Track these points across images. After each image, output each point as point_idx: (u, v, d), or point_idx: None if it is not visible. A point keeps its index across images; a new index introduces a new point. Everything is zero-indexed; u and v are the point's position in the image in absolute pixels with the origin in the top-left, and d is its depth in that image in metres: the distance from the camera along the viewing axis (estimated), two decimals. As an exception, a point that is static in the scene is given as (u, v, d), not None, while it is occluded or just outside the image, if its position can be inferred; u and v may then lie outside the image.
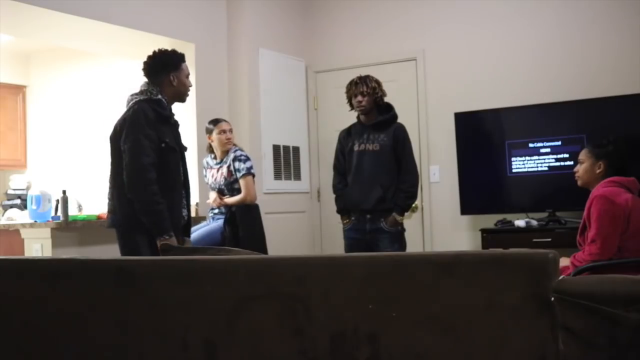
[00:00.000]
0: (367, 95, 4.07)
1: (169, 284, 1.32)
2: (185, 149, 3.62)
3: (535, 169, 4.81)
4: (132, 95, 3.42)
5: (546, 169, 4.78)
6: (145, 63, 3.46)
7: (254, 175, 4.49)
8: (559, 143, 4.75)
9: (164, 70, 3.41)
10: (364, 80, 4.10)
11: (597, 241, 3.14)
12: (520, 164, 4.84)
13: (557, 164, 4.75)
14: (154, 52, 3.48)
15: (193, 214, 4.37)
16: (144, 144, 3.23)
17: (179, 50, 4.91)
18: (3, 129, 6.67)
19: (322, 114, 5.78)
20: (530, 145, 4.82)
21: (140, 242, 3.26)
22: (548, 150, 4.77)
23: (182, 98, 3.53)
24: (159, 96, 3.37)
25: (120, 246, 3.35)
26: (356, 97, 4.09)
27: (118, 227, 3.33)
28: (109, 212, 3.38)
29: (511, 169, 4.87)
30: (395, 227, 4.09)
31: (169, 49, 3.53)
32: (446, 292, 1.14)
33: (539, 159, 4.80)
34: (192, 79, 4.87)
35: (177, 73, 3.43)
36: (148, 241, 3.23)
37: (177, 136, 3.49)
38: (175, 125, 3.50)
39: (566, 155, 4.69)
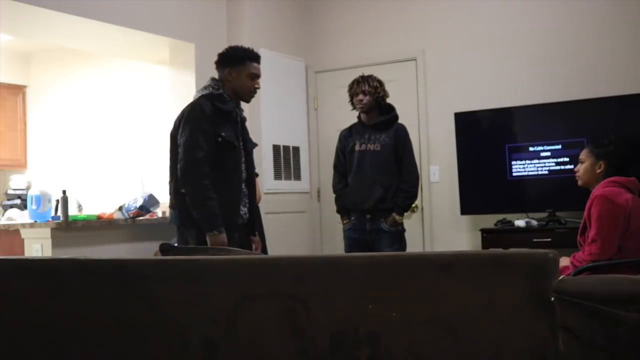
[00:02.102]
0: (369, 94, 4.09)
1: (169, 284, 1.32)
2: (254, 145, 3.56)
3: (536, 173, 4.80)
4: (197, 90, 3.44)
5: (546, 172, 4.76)
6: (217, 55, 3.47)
7: (257, 175, 4.49)
8: (559, 147, 4.74)
9: (224, 65, 3.38)
10: (367, 79, 4.13)
11: (597, 241, 3.14)
12: (521, 168, 4.83)
13: (558, 167, 4.73)
14: (227, 47, 3.47)
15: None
16: (198, 138, 3.20)
17: (180, 49, 4.91)
18: (3, 129, 6.68)
19: (322, 114, 5.78)
20: (531, 148, 4.81)
21: (192, 238, 3.22)
22: (548, 154, 4.76)
23: (241, 97, 3.43)
24: (220, 91, 3.33)
25: (177, 242, 3.34)
26: (357, 95, 4.12)
27: (176, 222, 3.33)
28: (169, 207, 3.38)
29: (511, 172, 4.85)
30: (396, 227, 4.09)
31: (247, 46, 3.47)
32: (446, 292, 1.14)
33: (539, 163, 4.78)
34: (189, 80, 4.92)
35: (236, 70, 3.36)
36: (198, 237, 3.19)
37: (240, 132, 3.41)
38: (238, 121, 3.42)
39: (566, 159, 4.68)
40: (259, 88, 3.45)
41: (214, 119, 3.26)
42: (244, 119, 3.50)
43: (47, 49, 6.61)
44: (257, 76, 3.42)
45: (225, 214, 3.24)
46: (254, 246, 3.59)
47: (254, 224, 3.59)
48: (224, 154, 3.28)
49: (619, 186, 3.22)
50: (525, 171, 4.82)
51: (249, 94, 3.43)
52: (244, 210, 3.42)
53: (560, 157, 4.73)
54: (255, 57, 3.43)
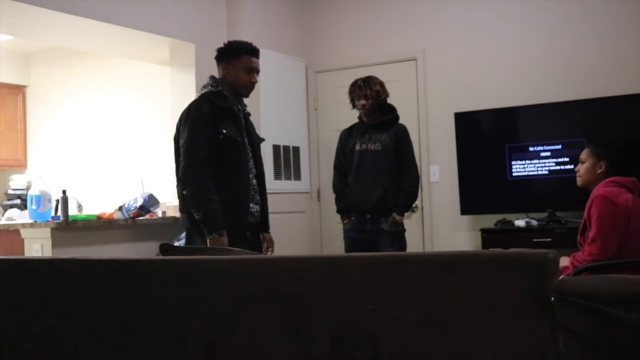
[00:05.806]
0: (371, 98, 4.06)
1: (169, 284, 1.32)
2: (260, 140, 3.52)
3: (536, 173, 4.80)
4: (198, 90, 3.42)
5: (546, 172, 4.77)
6: None
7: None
8: (559, 147, 4.74)
9: (221, 60, 3.36)
10: (368, 83, 4.08)
11: (597, 241, 3.14)
12: (521, 168, 4.83)
13: (558, 167, 4.73)
14: (225, 42, 3.43)
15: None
16: (198, 138, 3.17)
17: (180, 49, 4.89)
18: (3, 129, 6.68)
19: (322, 114, 5.78)
20: (531, 148, 4.81)
21: (200, 240, 3.18)
22: (548, 153, 4.76)
23: (239, 92, 3.36)
24: (219, 88, 3.30)
25: (185, 244, 3.33)
26: (359, 99, 4.09)
27: (185, 225, 3.31)
28: (179, 211, 3.35)
29: (511, 172, 4.85)
30: (396, 227, 4.09)
31: (244, 40, 3.46)
32: (446, 292, 1.14)
33: (539, 163, 4.78)
34: (190, 79, 4.92)
35: (232, 64, 3.32)
36: (205, 239, 3.15)
37: (243, 128, 3.36)
38: (241, 117, 3.37)
39: (566, 159, 4.68)
40: (255, 82, 3.37)
41: (213, 116, 3.22)
42: (247, 114, 3.46)
43: (47, 49, 6.62)
44: (253, 70, 3.35)
45: (233, 213, 3.21)
46: (264, 245, 3.52)
47: (266, 221, 3.54)
48: (228, 151, 3.24)
49: (619, 186, 3.23)
50: (525, 171, 4.82)
51: (245, 88, 3.36)
52: (255, 207, 3.37)
53: (560, 157, 4.73)
54: (251, 51, 3.36)
